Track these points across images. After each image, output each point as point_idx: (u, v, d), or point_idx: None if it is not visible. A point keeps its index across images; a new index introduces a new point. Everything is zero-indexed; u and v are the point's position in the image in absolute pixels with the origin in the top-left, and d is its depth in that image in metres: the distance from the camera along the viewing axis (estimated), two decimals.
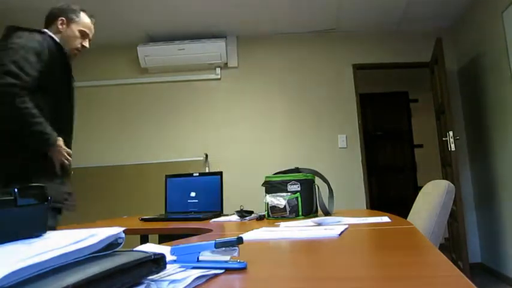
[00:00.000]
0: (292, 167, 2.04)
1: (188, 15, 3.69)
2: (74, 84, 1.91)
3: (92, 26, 1.98)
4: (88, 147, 3.74)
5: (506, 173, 3.28)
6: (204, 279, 0.59)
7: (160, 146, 4.02)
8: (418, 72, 4.93)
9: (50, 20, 1.91)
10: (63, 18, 1.89)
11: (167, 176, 2.38)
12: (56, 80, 1.80)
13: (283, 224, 1.42)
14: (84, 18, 1.95)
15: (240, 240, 0.65)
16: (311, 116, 4.05)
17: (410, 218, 1.66)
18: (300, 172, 1.91)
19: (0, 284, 0.36)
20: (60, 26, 1.88)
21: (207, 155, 3.98)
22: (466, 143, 4.08)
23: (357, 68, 4.12)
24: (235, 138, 4.05)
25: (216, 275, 0.61)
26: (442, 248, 2.34)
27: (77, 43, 1.91)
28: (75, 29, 1.90)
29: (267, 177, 1.86)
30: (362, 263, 0.76)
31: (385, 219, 1.37)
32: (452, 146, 3.45)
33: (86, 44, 1.95)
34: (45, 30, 1.86)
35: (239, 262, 0.65)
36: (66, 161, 1.72)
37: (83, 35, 1.93)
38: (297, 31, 4.10)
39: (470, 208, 3.96)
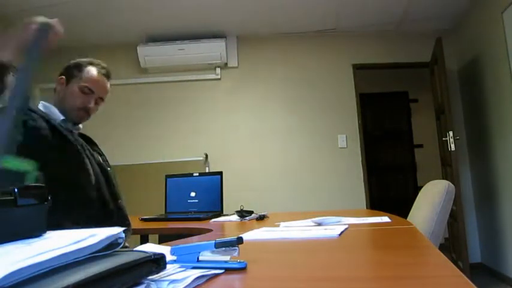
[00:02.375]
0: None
1: (188, 15, 3.69)
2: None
3: (101, 80, 1.63)
4: None
5: (506, 173, 3.28)
6: (204, 279, 0.59)
7: (160, 146, 4.02)
8: (418, 72, 4.93)
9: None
10: (63, 77, 1.61)
11: (167, 176, 2.38)
12: None
13: (283, 223, 1.41)
14: (89, 72, 1.60)
15: (240, 240, 0.65)
16: (311, 116, 4.05)
17: (410, 217, 1.66)
18: None
19: (0, 284, 0.36)
20: (58, 87, 1.60)
21: (207, 155, 3.98)
22: (466, 143, 4.08)
23: (357, 68, 4.12)
24: (235, 138, 4.05)
25: (216, 275, 0.61)
26: (442, 248, 2.34)
27: (77, 102, 1.56)
28: (74, 86, 1.57)
29: None
30: (362, 263, 0.76)
31: (385, 219, 1.37)
32: (452, 146, 3.44)
33: (91, 103, 1.58)
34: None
35: (239, 262, 0.65)
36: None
37: (84, 92, 1.57)
38: (297, 31, 4.10)
39: (470, 208, 3.95)
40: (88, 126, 1.67)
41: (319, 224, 1.12)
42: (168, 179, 2.37)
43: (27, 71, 0.99)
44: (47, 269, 0.42)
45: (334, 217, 1.20)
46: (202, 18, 3.77)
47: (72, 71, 1.60)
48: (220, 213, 2.08)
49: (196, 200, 2.21)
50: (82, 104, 1.56)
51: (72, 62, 1.64)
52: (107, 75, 1.68)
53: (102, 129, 4.23)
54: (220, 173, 2.22)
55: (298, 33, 4.13)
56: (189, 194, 2.24)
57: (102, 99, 1.64)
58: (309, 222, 1.29)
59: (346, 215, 1.59)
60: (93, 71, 1.61)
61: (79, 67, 1.61)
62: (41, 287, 0.39)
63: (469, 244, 3.53)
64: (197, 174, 2.31)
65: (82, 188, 1.42)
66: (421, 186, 1.83)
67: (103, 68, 1.66)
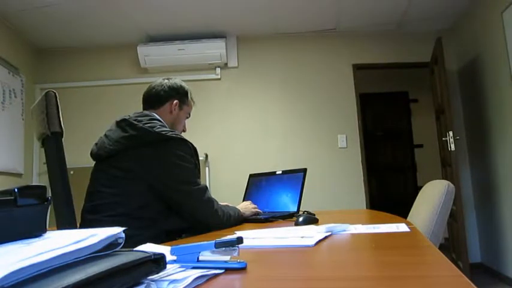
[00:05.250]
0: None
1: (188, 15, 3.69)
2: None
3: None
4: (88, 147, 3.72)
5: (506, 173, 3.28)
6: (204, 279, 0.59)
7: None
8: (418, 72, 4.93)
9: (162, 100, 1.73)
10: (177, 101, 1.73)
11: (251, 176, 2.21)
12: None
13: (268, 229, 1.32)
14: (192, 100, 1.82)
15: (240, 240, 0.65)
16: (311, 116, 4.05)
17: (410, 217, 1.66)
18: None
19: (0, 284, 0.36)
20: (173, 110, 1.72)
21: (207, 155, 3.98)
22: (466, 143, 4.08)
23: (357, 68, 4.12)
24: (235, 138, 4.05)
25: (216, 275, 0.61)
26: (442, 248, 2.34)
27: (182, 127, 1.79)
28: (184, 112, 1.78)
29: None
30: (362, 262, 0.76)
31: (403, 227, 1.14)
32: (452, 146, 3.44)
33: (185, 126, 1.81)
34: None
35: (239, 262, 0.65)
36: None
37: (187, 117, 1.81)
38: (297, 31, 4.10)
39: (470, 208, 3.95)
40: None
41: (330, 231, 1.09)
42: (250, 179, 2.21)
43: None
44: (47, 269, 0.42)
45: (341, 224, 1.16)
46: (202, 18, 3.77)
47: (184, 98, 1.75)
48: (293, 215, 1.76)
49: (273, 200, 1.98)
50: (184, 127, 1.78)
51: (178, 84, 1.76)
52: None
53: (102, 128, 4.23)
54: (304, 170, 1.92)
55: (298, 33, 4.13)
56: (268, 193, 2.04)
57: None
58: (319, 228, 1.17)
59: (348, 215, 1.59)
60: (191, 98, 1.80)
61: (187, 94, 1.77)
62: (41, 287, 0.39)
63: (469, 244, 3.53)
64: (280, 172, 2.06)
65: None
66: (421, 186, 1.83)
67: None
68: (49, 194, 0.73)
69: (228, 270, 0.64)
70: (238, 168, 3.87)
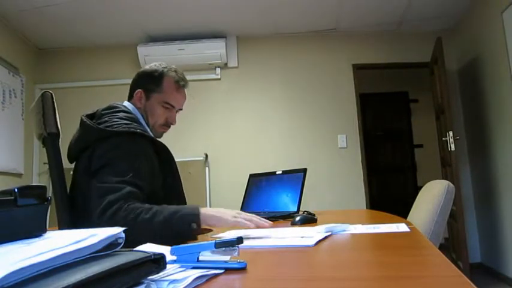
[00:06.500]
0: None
1: (188, 15, 3.69)
2: None
3: (182, 92, 1.57)
4: None
5: (506, 173, 3.28)
6: (204, 279, 0.59)
7: None
8: (418, 72, 4.93)
9: (131, 91, 1.53)
10: (141, 90, 1.50)
11: (251, 176, 2.19)
12: None
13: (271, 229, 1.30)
14: (169, 85, 1.51)
15: (240, 240, 0.65)
16: (311, 115, 4.05)
17: (410, 217, 1.66)
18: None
19: (0, 284, 0.36)
20: (138, 102, 1.50)
21: (207, 155, 3.98)
22: (466, 143, 4.08)
23: (357, 68, 4.12)
24: (236, 138, 4.05)
25: (216, 275, 0.61)
26: (442, 248, 2.34)
27: (161, 120, 1.52)
28: (155, 102, 1.50)
29: None
30: (362, 262, 0.76)
31: (403, 227, 1.13)
32: (452, 146, 3.45)
33: (174, 119, 1.55)
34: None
35: (239, 262, 0.65)
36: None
37: (166, 108, 1.51)
38: (297, 31, 4.10)
39: (470, 208, 3.95)
40: None
41: (330, 232, 1.09)
42: (250, 179, 2.20)
43: None
44: (47, 269, 0.42)
45: (341, 224, 1.16)
46: (202, 18, 3.77)
47: (151, 85, 1.50)
48: (293, 215, 1.72)
49: (273, 200, 1.97)
50: (165, 120, 1.53)
51: (149, 70, 1.52)
52: (186, 85, 1.58)
53: None
54: (304, 170, 1.90)
55: (298, 34, 4.13)
56: (268, 193, 2.03)
57: (181, 109, 1.58)
58: (318, 228, 1.17)
59: (348, 215, 1.58)
60: (171, 83, 1.51)
61: (159, 80, 1.50)
62: (41, 287, 0.39)
63: (469, 244, 3.52)
64: (280, 172, 2.05)
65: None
66: (421, 186, 1.83)
67: (181, 77, 1.55)
68: (49, 194, 0.73)
69: (228, 270, 0.64)
70: (238, 168, 3.87)
